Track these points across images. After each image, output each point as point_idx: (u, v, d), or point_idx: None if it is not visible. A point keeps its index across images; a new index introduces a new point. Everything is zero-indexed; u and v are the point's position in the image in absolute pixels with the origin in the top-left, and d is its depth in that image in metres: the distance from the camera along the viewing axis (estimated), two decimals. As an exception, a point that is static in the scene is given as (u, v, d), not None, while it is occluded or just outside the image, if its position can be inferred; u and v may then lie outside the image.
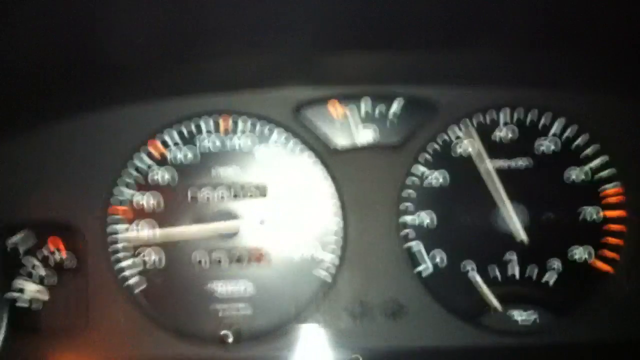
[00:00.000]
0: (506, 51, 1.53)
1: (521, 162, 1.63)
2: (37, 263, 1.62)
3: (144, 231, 1.62)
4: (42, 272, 1.62)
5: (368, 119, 1.64)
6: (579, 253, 1.63)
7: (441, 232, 1.63)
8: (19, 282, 1.62)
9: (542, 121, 1.64)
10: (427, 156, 1.63)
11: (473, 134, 1.63)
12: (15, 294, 1.61)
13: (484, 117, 1.64)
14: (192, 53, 1.46)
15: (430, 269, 1.63)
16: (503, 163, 1.63)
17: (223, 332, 1.59)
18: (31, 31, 1.19)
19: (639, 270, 1.60)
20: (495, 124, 1.64)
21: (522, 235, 1.60)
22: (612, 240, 1.62)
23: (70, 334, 1.60)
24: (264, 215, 1.62)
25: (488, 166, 1.63)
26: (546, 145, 1.64)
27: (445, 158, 1.64)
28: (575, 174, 1.63)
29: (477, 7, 1.32)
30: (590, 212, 1.62)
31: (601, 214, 1.62)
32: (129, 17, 1.21)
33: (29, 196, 1.61)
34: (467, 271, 1.63)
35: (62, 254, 1.62)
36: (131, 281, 1.61)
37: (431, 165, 1.63)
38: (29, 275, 1.62)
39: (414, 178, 1.63)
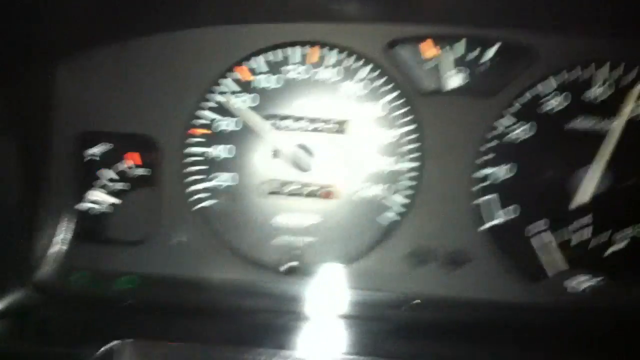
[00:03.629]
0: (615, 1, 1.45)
1: (612, 124, 1.57)
2: (113, 176, 1.63)
3: (221, 153, 1.60)
4: (117, 185, 1.62)
5: (464, 62, 1.58)
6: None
7: (519, 187, 1.60)
8: (94, 194, 1.63)
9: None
10: (518, 107, 1.58)
11: (570, 87, 1.56)
12: (89, 205, 1.63)
13: (583, 71, 1.57)
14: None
15: (502, 220, 1.60)
16: (593, 122, 1.57)
17: (285, 262, 1.59)
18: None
19: None
20: (592, 81, 1.57)
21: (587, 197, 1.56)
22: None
23: (137, 244, 1.62)
24: (341, 151, 1.60)
25: (577, 124, 1.56)
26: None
27: (535, 111, 1.58)
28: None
29: None
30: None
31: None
32: None
33: (111, 108, 1.61)
34: (541, 228, 1.60)
35: (137, 168, 1.63)
36: (202, 196, 1.61)
37: (520, 117, 1.59)
38: (104, 187, 1.63)
39: (501, 128, 1.59)
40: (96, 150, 1.63)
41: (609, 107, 1.57)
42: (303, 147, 1.60)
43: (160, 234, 1.61)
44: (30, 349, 1.33)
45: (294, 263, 1.59)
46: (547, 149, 1.59)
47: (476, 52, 1.58)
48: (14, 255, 1.51)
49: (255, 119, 1.60)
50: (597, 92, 1.58)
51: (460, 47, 1.58)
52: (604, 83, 1.57)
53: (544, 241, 1.60)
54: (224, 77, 1.59)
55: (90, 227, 1.63)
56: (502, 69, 1.57)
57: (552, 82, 1.57)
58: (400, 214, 1.60)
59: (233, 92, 1.60)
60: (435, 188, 1.59)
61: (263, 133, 1.60)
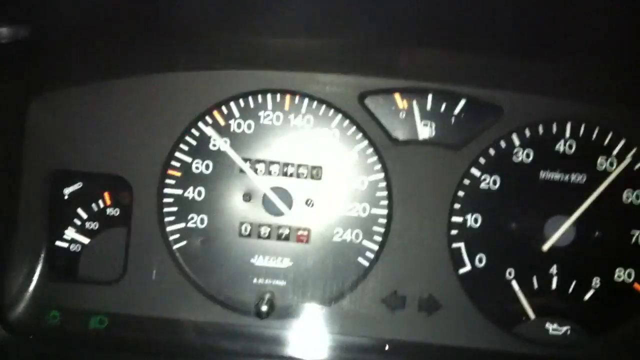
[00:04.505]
0: (579, 65, 1.50)
1: (579, 178, 1.61)
2: (86, 215, 1.65)
3: (194, 195, 1.63)
4: (90, 224, 1.64)
5: (431, 115, 1.63)
6: (622, 275, 1.63)
7: (487, 236, 1.64)
8: (67, 233, 1.65)
9: (606, 140, 1.61)
10: (485, 160, 1.62)
11: (533, 143, 1.61)
12: (61, 243, 1.65)
13: (547, 128, 1.61)
14: (262, 27, 1.45)
15: (471, 270, 1.64)
16: (559, 176, 1.61)
17: (258, 303, 1.60)
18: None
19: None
20: (556, 137, 1.63)
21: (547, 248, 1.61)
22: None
23: (110, 283, 1.63)
24: (314, 196, 1.63)
25: (542, 177, 1.60)
26: (607, 164, 1.61)
27: (502, 163, 1.63)
28: (633, 196, 1.61)
29: (561, 19, 1.29)
30: (643, 236, 1.61)
31: (653, 238, 1.60)
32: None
33: (85, 147, 1.62)
34: (507, 278, 1.64)
35: (110, 208, 1.65)
36: (174, 237, 1.63)
37: (487, 169, 1.63)
38: (76, 227, 1.65)
39: (468, 180, 1.62)
40: (69, 189, 1.65)
41: (572, 162, 1.62)
42: (276, 191, 1.62)
43: (133, 274, 1.62)
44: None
45: (266, 306, 1.60)
46: (513, 201, 1.63)
47: (443, 107, 1.62)
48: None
49: (229, 161, 1.62)
50: (559, 148, 1.62)
51: (430, 100, 1.61)
52: (565, 141, 1.61)
53: (512, 289, 1.63)
54: (199, 120, 1.62)
55: (63, 266, 1.65)
56: (468, 124, 1.62)
57: (515, 139, 1.61)
58: (373, 259, 1.63)
59: (208, 135, 1.61)
60: (406, 234, 1.63)
61: (236, 175, 1.61)
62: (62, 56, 1.53)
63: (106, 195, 1.65)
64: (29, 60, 1.46)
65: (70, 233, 1.65)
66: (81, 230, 1.65)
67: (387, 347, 1.63)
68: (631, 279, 1.64)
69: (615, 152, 1.62)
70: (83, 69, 1.59)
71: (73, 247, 1.65)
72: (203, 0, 1.31)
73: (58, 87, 1.61)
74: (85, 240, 1.65)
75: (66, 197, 1.65)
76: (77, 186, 1.65)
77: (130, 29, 1.44)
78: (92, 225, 1.65)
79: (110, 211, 1.65)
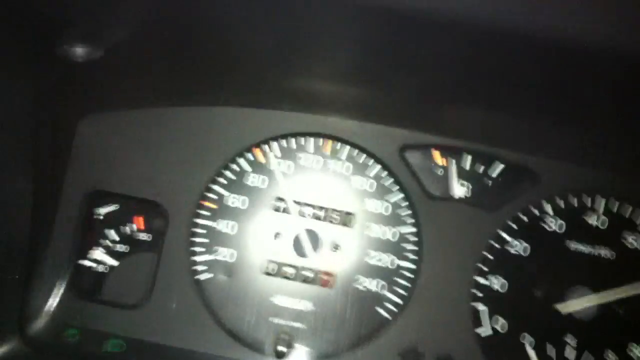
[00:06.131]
0: (620, 137, 1.54)
1: (604, 252, 1.64)
2: (116, 237, 1.66)
3: (227, 228, 1.65)
4: (118, 247, 1.65)
5: (467, 174, 1.66)
6: (636, 350, 1.64)
7: (508, 300, 1.65)
8: (95, 253, 1.65)
9: (633, 216, 1.64)
10: (515, 225, 1.65)
11: (565, 213, 1.64)
12: (88, 263, 1.65)
13: (578, 199, 1.65)
14: (311, 72, 1.49)
15: (490, 332, 1.64)
16: (585, 248, 1.64)
17: (276, 343, 1.60)
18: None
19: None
20: (586, 209, 1.66)
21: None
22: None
23: (131, 307, 1.63)
24: (343, 242, 1.64)
25: (572, 247, 1.63)
26: (631, 240, 1.64)
27: (531, 230, 1.66)
28: (655, 274, 1.64)
29: (600, 91, 1.33)
30: (660, 315, 1.63)
31: (670, 318, 1.62)
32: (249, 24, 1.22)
33: (125, 171, 1.65)
34: (524, 344, 1.64)
35: (141, 232, 1.66)
36: (200, 268, 1.64)
37: (516, 235, 1.65)
38: (105, 248, 1.65)
39: (498, 242, 1.65)
40: (104, 209, 1.66)
41: (602, 236, 1.64)
42: (307, 233, 1.64)
43: (156, 300, 1.62)
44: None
45: (283, 347, 1.60)
46: (542, 267, 1.65)
47: (481, 168, 1.66)
48: (8, 305, 1.51)
49: (265, 199, 1.65)
50: (591, 221, 1.65)
51: (466, 160, 1.65)
52: (598, 214, 1.64)
53: (531, 354, 1.63)
54: (239, 156, 1.65)
55: (87, 286, 1.64)
56: (504, 187, 1.65)
57: (548, 208, 1.65)
58: (395, 312, 1.63)
59: (246, 172, 1.64)
60: (431, 289, 1.64)
61: (270, 214, 1.64)
62: (117, 79, 1.56)
63: (140, 219, 1.66)
64: (85, 79, 1.49)
65: (98, 254, 1.65)
66: (110, 252, 1.65)
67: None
68: (643, 356, 1.65)
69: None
70: (135, 94, 1.63)
71: (100, 268, 1.65)
72: (257, 40, 1.35)
73: (108, 108, 1.65)
74: (113, 262, 1.65)
75: (101, 217, 1.65)
76: (112, 207, 1.65)
77: (185, 60, 1.48)
78: (122, 248, 1.65)
79: (141, 236, 1.65)
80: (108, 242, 1.66)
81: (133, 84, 1.60)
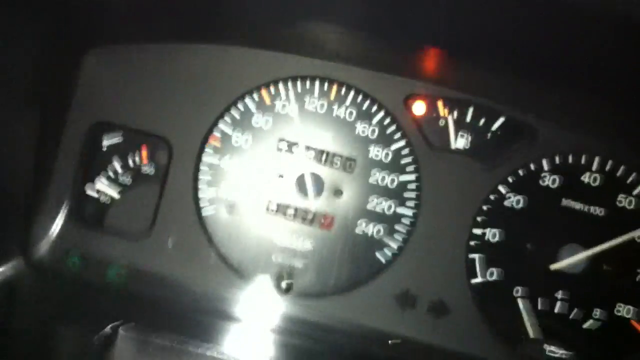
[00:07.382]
0: (617, 105, 1.56)
1: (597, 211, 1.67)
2: (120, 169, 1.68)
3: (230, 166, 1.67)
4: (122, 178, 1.67)
5: (468, 126, 1.68)
6: (622, 310, 1.68)
7: (503, 253, 1.69)
8: (99, 183, 1.67)
9: (630, 179, 1.67)
10: (513, 179, 1.68)
11: (561, 170, 1.67)
12: (92, 193, 1.68)
13: (576, 158, 1.67)
14: (322, 20, 1.51)
15: (482, 282, 1.69)
16: (580, 206, 1.67)
17: (278, 278, 1.67)
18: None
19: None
20: (583, 168, 1.68)
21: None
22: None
23: (133, 238, 1.67)
24: (344, 186, 1.67)
25: (565, 204, 1.67)
26: (625, 202, 1.68)
27: (529, 185, 1.68)
28: (646, 236, 1.67)
29: (609, 58, 1.34)
30: (648, 276, 1.67)
31: (658, 280, 1.67)
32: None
33: (132, 104, 1.66)
34: (515, 295, 1.69)
35: (145, 166, 1.69)
36: (203, 204, 1.67)
37: (514, 189, 1.68)
38: (109, 179, 1.68)
39: (494, 195, 1.68)
40: (109, 141, 1.67)
41: (597, 195, 1.67)
42: (310, 175, 1.67)
43: (159, 232, 1.65)
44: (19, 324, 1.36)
45: (287, 283, 1.64)
46: (536, 222, 1.68)
47: (482, 121, 1.68)
48: (14, 228, 1.54)
49: (268, 139, 1.67)
50: (586, 179, 1.68)
51: (468, 113, 1.67)
52: (592, 173, 1.67)
53: (523, 307, 1.68)
54: (246, 95, 1.66)
55: (90, 215, 1.68)
56: (502, 142, 1.68)
57: (545, 164, 1.68)
58: (392, 256, 1.67)
59: (251, 111, 1.66)
60: (428, 237, 1.67)
61: (272, 154, 1.67)
62: (126, 13, 1.56)
63: (144, 152, 1.67)
64: (92, 13, 1.49)
65: (103, 183, 1.67)
66: (114, 182, 1.68)
67: (390, 342, 1.66)
68: (629, 315, 1.69)
69: (635, 192, 1.68)
70: (143, 29, 1.63)
71: (103, 198, 1.68)
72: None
73: (116, 42, 1.64)
74: (117, 193, 1.67)
75: (104, 148, 1.67)
76: (117, 139, 1.67)
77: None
78: (125, 180, 1.67)
79: (145, 169, 1.67)
80: (111, 173, 1.67)
81: (144, 19, 1.60)
